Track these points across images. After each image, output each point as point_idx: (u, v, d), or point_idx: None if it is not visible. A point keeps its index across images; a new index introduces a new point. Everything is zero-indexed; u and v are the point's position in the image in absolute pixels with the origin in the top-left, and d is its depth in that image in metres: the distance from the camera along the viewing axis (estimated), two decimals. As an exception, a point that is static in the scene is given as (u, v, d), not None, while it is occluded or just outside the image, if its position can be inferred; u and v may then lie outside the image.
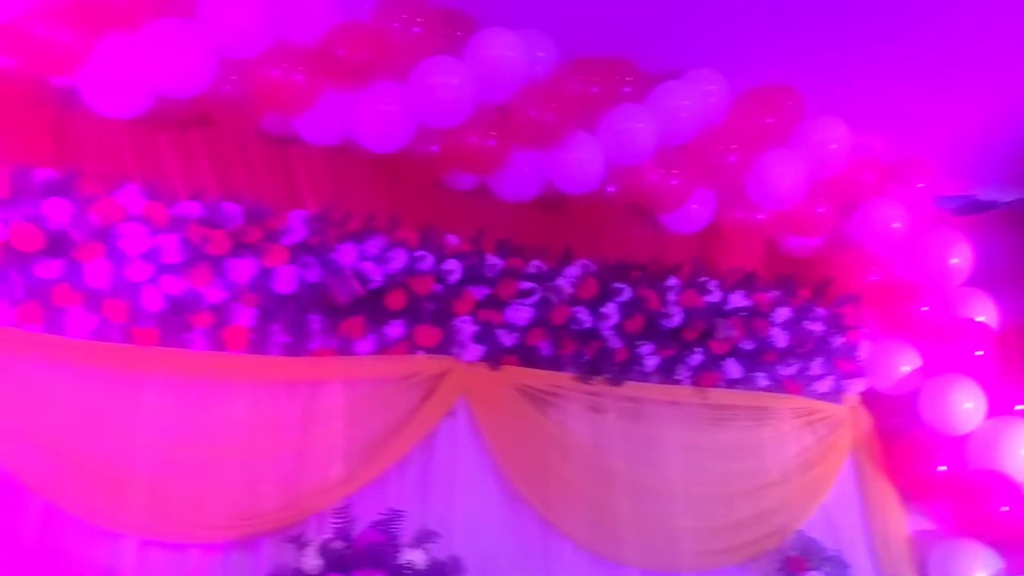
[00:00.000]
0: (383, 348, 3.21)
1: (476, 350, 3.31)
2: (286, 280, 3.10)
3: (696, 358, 3.65)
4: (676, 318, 3.61)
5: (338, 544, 2.72)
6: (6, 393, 2.75)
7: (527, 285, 3.41)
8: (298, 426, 3.09)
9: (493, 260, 3.40)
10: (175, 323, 2.97)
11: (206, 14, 3.03)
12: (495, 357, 3.33)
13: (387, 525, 2.80)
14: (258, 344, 3.07)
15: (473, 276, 3.34)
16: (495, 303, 3.35)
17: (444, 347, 3.28)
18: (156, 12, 3.01)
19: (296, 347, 3.12)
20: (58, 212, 2.85)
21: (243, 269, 3.05)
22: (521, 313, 3.37)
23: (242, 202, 3.15)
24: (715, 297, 3.73)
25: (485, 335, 3.32)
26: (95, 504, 2.78)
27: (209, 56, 3.08)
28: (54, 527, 2.70)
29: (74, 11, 2.95)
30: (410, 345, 3.25)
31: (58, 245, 2.84)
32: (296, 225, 3.18)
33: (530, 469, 3.32)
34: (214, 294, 3.01)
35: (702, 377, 3.67)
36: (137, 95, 3.11)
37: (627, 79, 3.62)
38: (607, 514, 3.41)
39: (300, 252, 3.14)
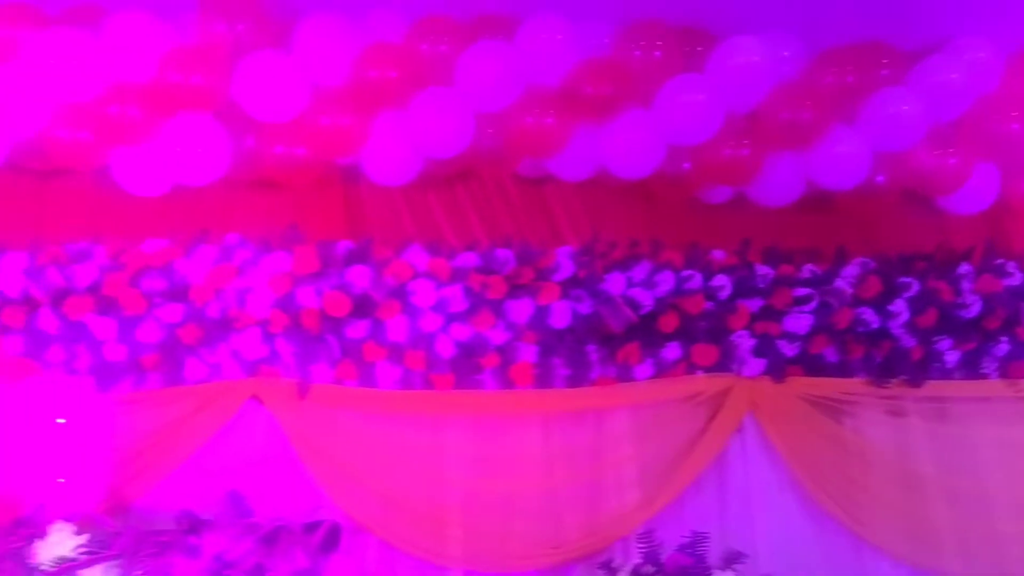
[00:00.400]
0: (662, 371, 3.24)
1: (757, 364, 3.24)
2: (561, 315, 3.22)
3: (1003, 348, 3.34)
4: (974, 307, 3.32)
5: (648, 568, 2.77)
6: (335, 443, 3.07)
7: (803, 292, 3.29)
8: (589, 455, 3.19)
9: (763, 270, 3.32)
10: (467, 366, 3.18)
11: (462, 77, 3.27)
12: (778, 369, 3.24)
13: (693, 548, 2.81)
14: (543, 379, 3.21)
15: (744, 289, 3.28)
16: (771, 314, 3.26)
17: (723, 364, 3.24)
18: (419, 85, 3.29)
19: (578, 378, 3.23)
20: (359, 278, 3.15)
21: (521, 309, 3.21)
22: (800, 321, 3.26)
23: (512, 246, 3.32)
24: (1016, 279, 3.39)
25: (765, 348, 3.24)
26: (419, 539, 3.02)
27: (468, 115, 3.31)
28: (389, 562, 2.97)
29: (351, 98, 3.30)
30: (688, 365, 3.25)
31: (362, 307, 3.14)
32: (564, 261, 3.30)
33: (831, 481, 3.18)
34: (498, 336, 3.19)
35: (1012, 368, 3.34)
36: (410, 162, 3.41)
37: (883, 61, 3.44)
38: (922, 523, 3.20)
39: (571, 286, 3.25)
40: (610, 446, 3.19)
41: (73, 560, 2.32)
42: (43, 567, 2.31)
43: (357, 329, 3.14)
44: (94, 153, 3.25)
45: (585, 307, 3.23)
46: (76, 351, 3.01)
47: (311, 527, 2.55)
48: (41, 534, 2.34)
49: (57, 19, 3.20)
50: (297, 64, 3.26)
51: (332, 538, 2.59)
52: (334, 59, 3.28)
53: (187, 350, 3.07)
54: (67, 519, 2.40)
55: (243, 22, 3.29)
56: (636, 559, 2.90)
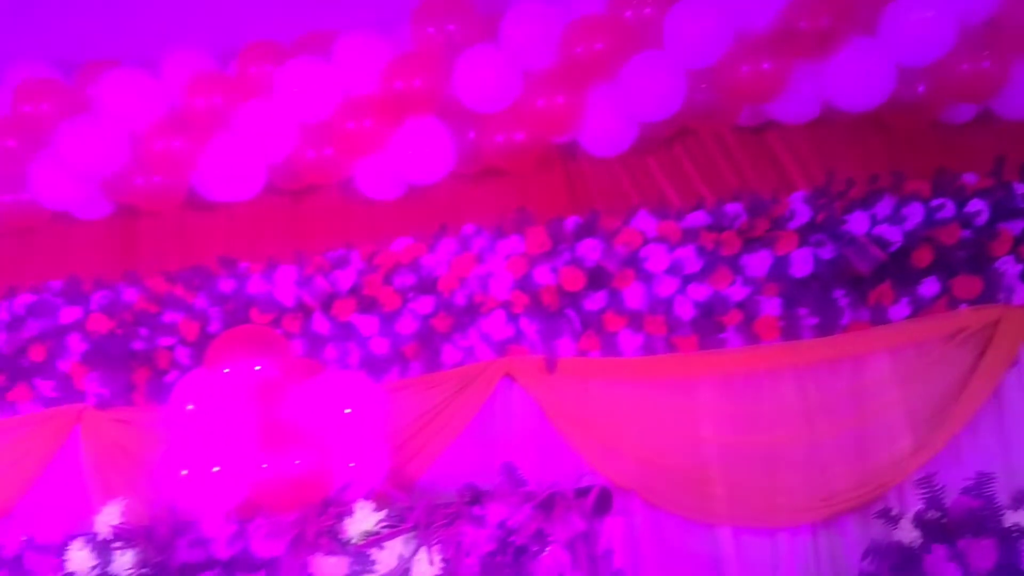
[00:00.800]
0: (920, 309, 3.05)
1: (1027, 290, 2.99)
2: (802, 263, 3.12)
3: None
4: None
5: (932, 514, 2.64)
6: (588, 413, 3.14)
7: (1074, 205, 3.00)
8: (850, 403, 3.05)
9: (1023, 188, 3.05)
10: (709, 326, 3.16)
11: (670, 37, 3.25)
12: (1055, 292, 2.97)
13: (979, 489, 2.63)
14: (790, 331, 3.13)
15: (1004, 211, 3.03)
16: (1039, 234, 2.99)
17: (989, 295, 3.00)
18: (627, 52, 3.29)
19: (828, 326, 3.11)
20: (591, 251, 3.23)
21: (759, 262, 3.15)
22: (1075, 238, 2.97)
23: (742, 199, 3.26)
24: None
25: (1036, 271, 2.98)
26: (683, 499, 3.03)
27: (679, 74, 3.28)
28: (657, 521, 3.02)
29: (562, 76, 3.37)
30: (950, 300, 3.03)
31: (597, 279, 3.20)
32: (799, 207, 3.20)
33: None
34: (737, 292, 3.14)
35: None
36: (625, 130, 3.43)
37: None
38: None
39: (809, 232, 3.15)
40: (872, 393, 3.04)
41: (377, 533, 2.57)
42: (353, 541, 2.58)
43: (595, 301, 3.21)
44: (338, 167, 3.54)
45: (827, 252, 3.11)
46: (347, 348, 3.31)
47: (582, 492, 2.65)
48: (348, 512, 2.61)
49: (292, 50, 3.52)
50: (507, 53, 3.38)
51: (604, 501, 2.69)
52: (541, 41, 3.37)
53: (441, 337, 3.27)
54: (366, 498, 2.66)
55: (453, 22, 3.46)
56: (916, 505, 2.77)
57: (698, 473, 3.05)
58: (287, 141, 3.48)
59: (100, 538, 2.71)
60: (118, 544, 2.69)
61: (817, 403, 3.07)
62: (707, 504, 3.02)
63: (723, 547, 2.97)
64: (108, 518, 2.74)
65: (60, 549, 2.71)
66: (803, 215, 3.17)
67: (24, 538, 2.80)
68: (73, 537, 2.73)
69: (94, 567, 2.65)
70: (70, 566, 2.66)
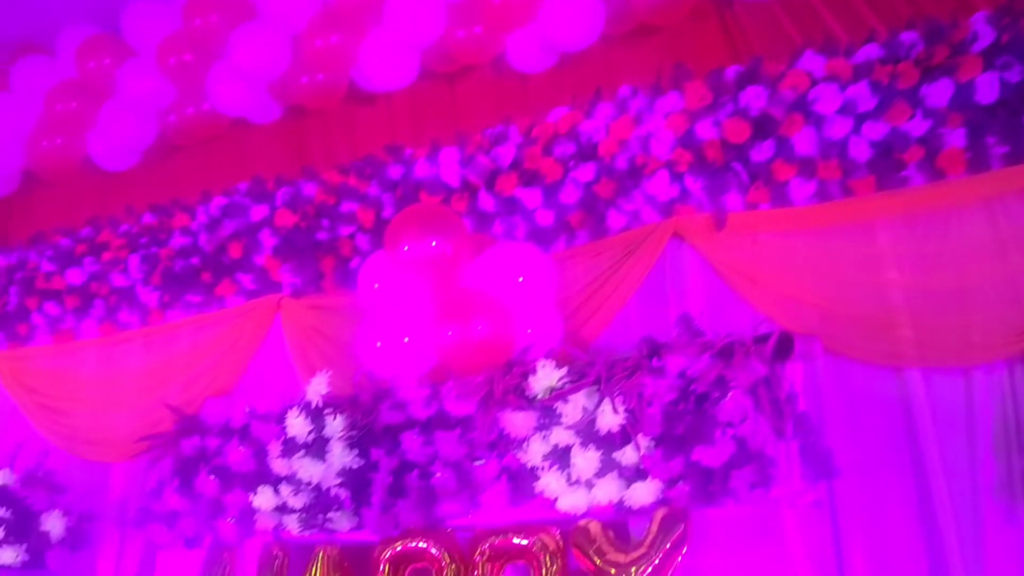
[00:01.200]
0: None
1: None
2: (988, 88, 2.88)
3: None
4: None
5: None
6: (762, 266, 3.08)
7: None
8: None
9: None
10: (887, 165, 3.00)
11: None
12: None
13: None
14: (977, 162, 2.92)
15: None
16: None
17: None
18: None
19: (1018, 154, 2.88)
20: (755, 99, 3.10)
21: (940, 92, 2.92)
22: None
23: (917, 26, 3.03)
24: None
25: None
26: (868, 345, 2.94)
27: None
28: (840, 364, 2.96)
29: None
30: None
31: (763, 128, 3.09)
32: (981, 28, 2.93)
33: None
34: (917, 126, 2.95)
35: None
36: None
37: None
38: None
39: (994, 55, 2.88)
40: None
41: (560, 389, 2.69)
42: (539, 397, 2.71)
43: (762, 151, 3.10)
44: (489, 43, 3.56)
45: (1015, 74, 2.86)
46: (513, 222, 3.38)
47: (762, 339, 2.64)
48: (531, 371, 2.73)
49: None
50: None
51: (784, 346, 2.66)
52: None
53: (605, 203, 3.28)
54: (547, 357, 2.77)
55: None
56: None
57: (883, 318, 2.95)
58: (437, 23, 3.52)
59: (313, 406, 2.98)
60: (328, 411, 2.96)
61: (1009, 236, 2.88)
62: (895, 348, 2.93)
63: (912, 389, 2.88)
64: (318, 388, 3.01)
65: (280, 417, 3.00)
66: (986, 37, 2.91)
67: (248, 410, 3.11)
68: (289, 407, 3.01)
69: (310, 431, 2.93)
70: (290, 431, 2.94)
